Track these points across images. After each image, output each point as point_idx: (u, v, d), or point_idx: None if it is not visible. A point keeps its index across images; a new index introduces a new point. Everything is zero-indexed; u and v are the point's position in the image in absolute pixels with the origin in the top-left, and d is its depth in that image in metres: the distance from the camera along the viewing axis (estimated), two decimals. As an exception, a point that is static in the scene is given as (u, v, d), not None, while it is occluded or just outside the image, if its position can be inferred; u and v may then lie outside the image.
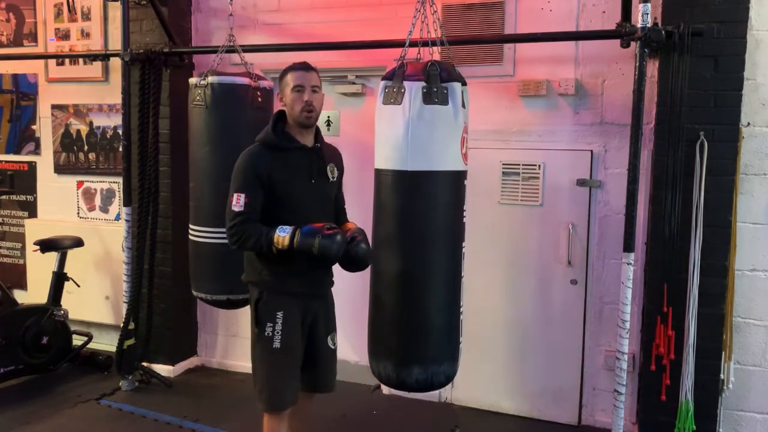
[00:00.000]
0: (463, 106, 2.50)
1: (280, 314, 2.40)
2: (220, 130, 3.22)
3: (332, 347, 2.60)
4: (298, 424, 2.67)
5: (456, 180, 2.54)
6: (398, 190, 2.48)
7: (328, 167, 2.54)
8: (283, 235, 2.30)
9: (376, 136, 2.58)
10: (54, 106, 4.56)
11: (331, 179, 2.55)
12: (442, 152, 2.46)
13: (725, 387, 3.06)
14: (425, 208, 2.47)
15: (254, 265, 2.46)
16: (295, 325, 2.43)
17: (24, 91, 4.68)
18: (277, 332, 2.39)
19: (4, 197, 4.82)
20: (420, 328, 2.51)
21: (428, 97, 2.41)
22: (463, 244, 2.63)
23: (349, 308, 3.93)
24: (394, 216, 2.50)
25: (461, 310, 2.64)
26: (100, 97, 4.40)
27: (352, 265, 2.44)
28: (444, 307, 2.54)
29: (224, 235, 2.44)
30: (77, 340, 4.19)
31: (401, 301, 2.52)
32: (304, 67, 2.45)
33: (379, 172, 2.57)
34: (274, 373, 2.42)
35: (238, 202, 2.34)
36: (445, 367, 2.56)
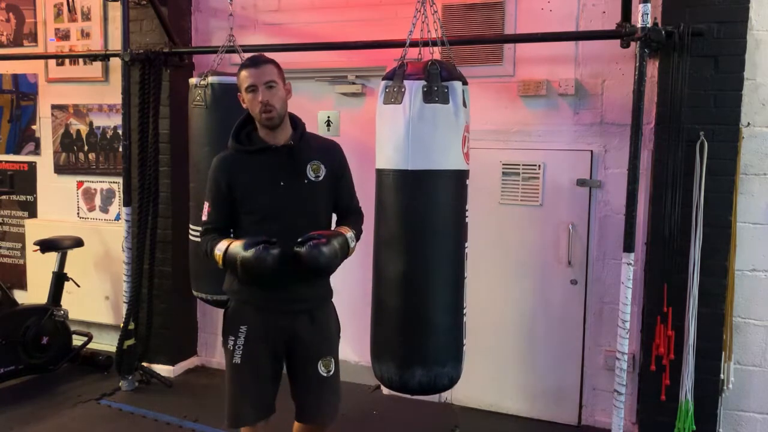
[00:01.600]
0: (464, 105, 2.50)
1: (243, 328, 2.26)
2: (220, 130, 3.21)
3: (323, 374, 2.30)
4: None
5: (458, 179, 2.52)
6: (400, 190, 2.46)
7: (308, 166, 2.28)
8: (218, 254, 2.19)
9: (377, 136, 2.57)
10: (54, 106, 4.56)
11: (313, 179, 2.27)
12: (444, 151, 2.45)
13: (725, 387, 3.06)
14: (427, 208, 2.45)
15: (228, 276, 2.35)
16: (259, 342, 2.26)
17: (24, 91, 4.68)
18: (239, 347, 2.25)
19: (4, 197, 4.81)
20: (423, 329, 2.48)
21: (429, 96, 2.40)
22: (466, 244, 2.63)
23: (349, 308, 3.93)
24: (395, 216, 2.49)
25: (465, 310, 2.62)
26: (100, 97, 4.40)
27: (311, 271, 2.18)
28: (447, 308, 2.51)
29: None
30: (77, 340, 4.18)
31: (403, 302, 2.48)
32: (254, 62, 2.23)
33: (380, 172, 2.56)
34: (233, 389, 2.29)
35: (206, 210, 2.29)
36: (448, 368, 2.50)
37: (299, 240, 2.15)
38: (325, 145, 2.41)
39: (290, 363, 2.35)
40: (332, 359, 2.36)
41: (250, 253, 2.08)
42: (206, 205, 2.29)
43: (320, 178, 2.30)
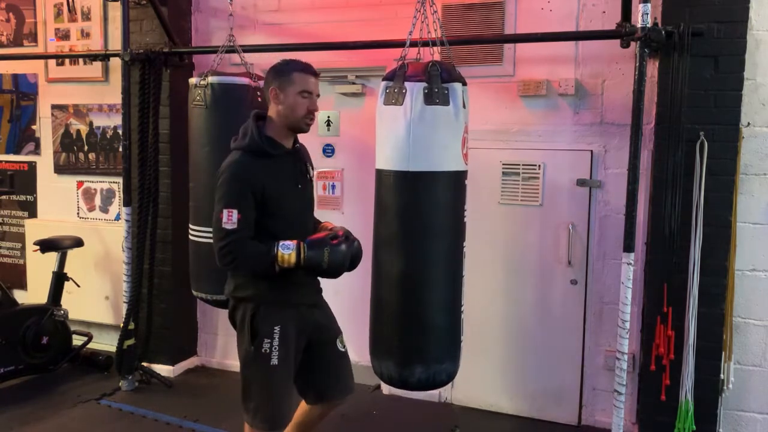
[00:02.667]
0: (464, 106, 2.51)
1: (277, 329, 2.27)
2: (220, 130, 3.21)
3: (342, 349, 2.50)
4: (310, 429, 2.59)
5: (457, 180, 2.54)
6: (399, 191, 2.48)
7: (308, 167, 2.46)
8: (288, 253, 2.17)
9: (377, 137, 2.58)
10: (54, 106, 4.56)
11: (310, 179, 2.47)
12: (444, 153, 2.46)
13: (725, 387, 3.06)
14: (426, 208, 2.47)
15: (246, 279, 2.30)
16: (291, 339, 2.32)
17: (24, 91, 4.68)
18: (275, 348, 2.26)
19: (4, 197, 4.82)
20: (421, 327, 2.52)
21: (429, 98, 2.41)
22: (464, 244, 2.64)
23: (349, 308, 3.93)
24: (395, 216, 2.50)
25: (462, 309, 2.65)
26: (100, 97, 4.40)
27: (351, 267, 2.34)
28: (445, 306, 2.54)
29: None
30: (77, 340, 4.18)
31: (403, 301, 2.51)
32: (315, 72, 2.32)
33: (380, 173, 2.57)
34: (272, 391, 2.30)
35: (230, 219, 2.16)
36: (447, 365, 2.56)
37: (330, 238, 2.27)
38: (303, 146, 2.52)
39: (313, 350, 2.43)
40: (342, 335, 2.54)
41: (338, 247, 2.21)
42: (229, 212, 2.17)
43: (312, 178, 2.50)
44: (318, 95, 2.34)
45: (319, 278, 2.45)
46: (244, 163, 2.24)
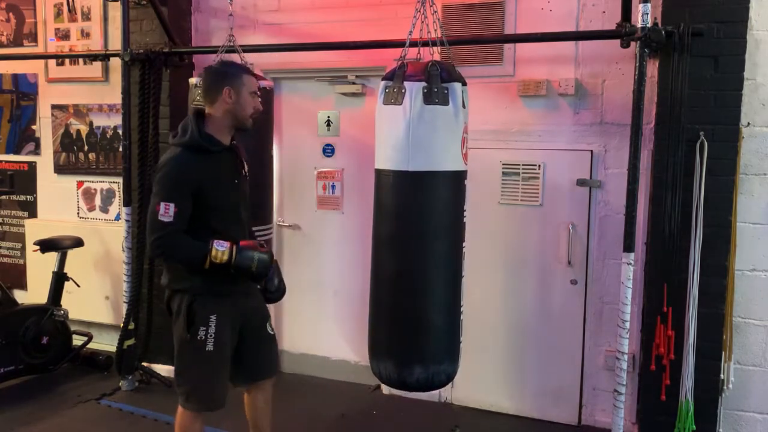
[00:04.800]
0: (464, 106, 2.51)
1: (213, 317, 2.40)
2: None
3: (271, 332, 2.65)
4: (263, 422, 2.74)
5: (456, 180, 2.54)
6: (399, 190, 2.48)
7: (244, 164, 2.56)
8: (222, 250, 2.30)
9: (376, 137, 2.58)
10: (54, 106, 4.56)
11: (245, 175, 2.56)
12: (443, 152, 2.46)
13: (725, 387, 3.06)
14: (426, 208, 2.47)
15: (182, 272, 2.41)
16: (226, 326, 2.44)
17: (24, 91, 4.68)
18: (210, 335, 2.39)
19: (4, 197, 4.82)
20: (421, 327, 2.52)
21: (429, 98, 2.41)
22: (464, 244, 2.63)
23: (349, 309, 3.94)
24: (394, 216, 2.51)
25: (461, 309, 2.65)
26: (100, 97, 4.40)
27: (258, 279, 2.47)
28: (444, 307, 2.54)
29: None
30: (77, 340, 4.18)
31: (402, 301, 2.52)
32: (257, 76, 2.54)
33: (379, 173, 2.57)
34: (209, 375, 2.45)
35: (166, 211, 2.26)
36: (445, 366, 2.56)
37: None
38: (238, 144, 2.58)
39: (245, 334, 2.55)
40: (270, 319, 2.70)
41: (265, 255, 2.36)
42: (166, 206, 2.26)
43: (247, 174, 2.58)
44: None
45: None
46: (183, 158, 2.34)
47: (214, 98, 2.39)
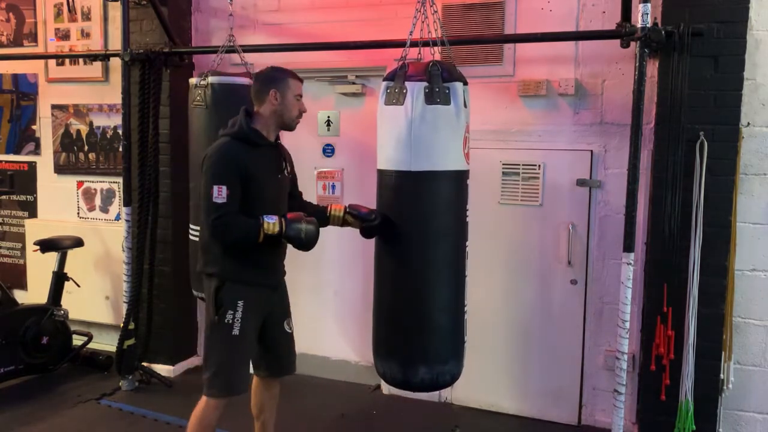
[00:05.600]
0: (465, 105, 2.51)
1: (240, 303, 2.47)
2: (220, 130, 3.22)
3: (288, 330, 2.72)
4: (268, 414, 2.81)
5: (458, 179, 2.54)
6: (401, 191, 2.48)
7: (285, 163, 2.67)
8: (272, 222, 2.40)
9: (378, 137, 2.58)
10: (54, 106, 4.56)
11: (288, 175, 2.68)
12: (445, 152, 2.46)
13: (725, 387, 3.07)
14: (428, 208, 2.47)
15: (216, 257, 2.49)
16: (253, 314, 2.51)
17: (24, 91, 4.68)
18: (237, 320, 2.46)
19: (4, 197, 4.82)
20: (425, 327, 2.51)
21: (430, 98, 2.41)
22: (466, 243, 2.63)
23: (350, 309, 3.94)
24: (397, 216, 2.50)
25: (465, 309, 2.64)
26: (100, 97, 4.40)
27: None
28: (449, 307, 2.53)
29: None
30: (77, 340, 4.19)
31: (405, 301, 2.51)
32: (301, 80, 2.63)
33: (381, 173, 2.57)
34: (233, 359, 2.50)
35: (219, 194, 2.36)
36: (450, 366, 2.54)
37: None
38: (284, 146, 2.73)
39: (265, 329, 2.63)
40: (291, 318, 2.77)
41: (311, 225, 2.45)
42: (219, 188, 2.36)
43: (290, 175, 2.71)
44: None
45: (284, 265, 2.68)
46: (231, 147, 2.46)
47: (262, 99, 2.54)
